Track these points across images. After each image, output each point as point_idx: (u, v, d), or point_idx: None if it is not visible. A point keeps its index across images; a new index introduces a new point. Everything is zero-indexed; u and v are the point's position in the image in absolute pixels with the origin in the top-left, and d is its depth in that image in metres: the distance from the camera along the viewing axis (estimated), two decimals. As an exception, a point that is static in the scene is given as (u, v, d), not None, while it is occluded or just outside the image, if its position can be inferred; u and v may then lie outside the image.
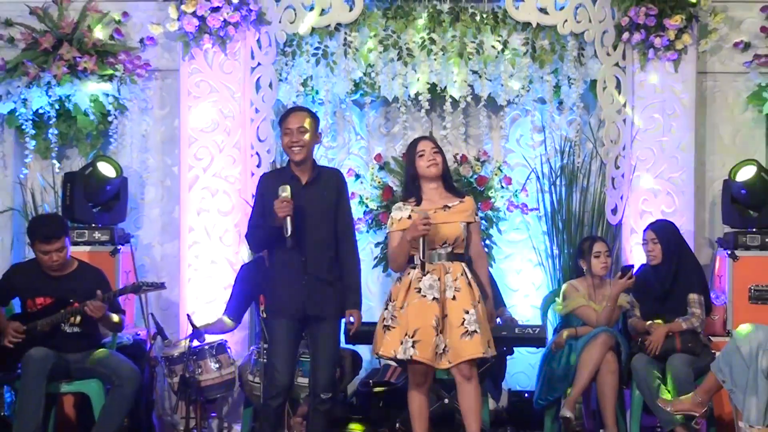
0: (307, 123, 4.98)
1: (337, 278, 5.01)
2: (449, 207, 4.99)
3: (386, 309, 4.97)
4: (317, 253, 4.95)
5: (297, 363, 5.18)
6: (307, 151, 4.99)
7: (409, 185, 5.16)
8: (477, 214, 5.08)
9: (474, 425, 4.91)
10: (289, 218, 4.84)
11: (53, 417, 5.50)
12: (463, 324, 4.84)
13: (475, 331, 4.83)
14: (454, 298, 4.89)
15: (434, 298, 4.87)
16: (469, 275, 4.97)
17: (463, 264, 4.98)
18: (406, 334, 4.84)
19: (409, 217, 4.96)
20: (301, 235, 4.90)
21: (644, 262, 5.97)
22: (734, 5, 6.58)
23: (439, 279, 4.91)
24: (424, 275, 4.86)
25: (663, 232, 5.87)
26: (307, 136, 4.96)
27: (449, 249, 4.95)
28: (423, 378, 4.95)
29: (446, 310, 4.89)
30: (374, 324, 5.56)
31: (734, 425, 5.30)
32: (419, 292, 4.89)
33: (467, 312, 4.86)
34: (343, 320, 5.08)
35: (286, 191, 4.86)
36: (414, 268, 4.95)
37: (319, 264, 4.95)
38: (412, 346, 4.83)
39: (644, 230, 5.95)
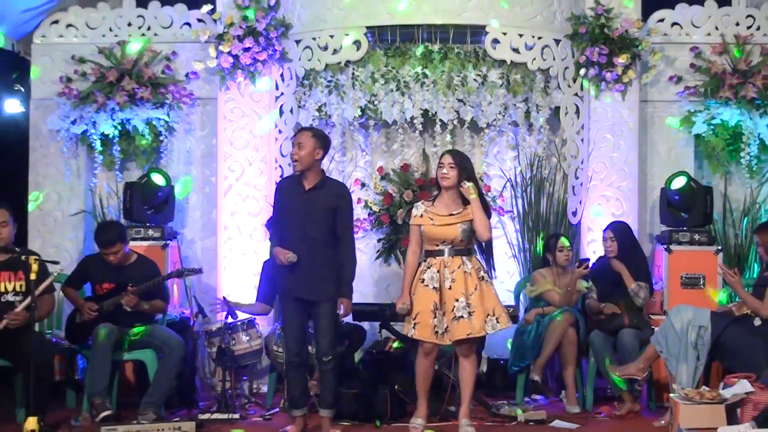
0: (304, 140, 4.96)
1: (333, 269, 5.02)
2: (454, 214, 5.04)
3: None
4: (314, 249, 4.97)
5: (307, 336, 5.18)
6: (303, 163, 4.96)
7: (436, 187, 5.25)
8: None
9: (467, 392, 5.09)
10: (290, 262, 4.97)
11: (117, 380, 5.62)
12: (453, 310, 4.97)
13: (462, 317, 4.94)
14: (450, 288, 4.99)
15: (434, 288, 5.00)
16: (468, 267, 5.01)
17: (464, 257, 5.03)
18: (411, 317, 5.03)
19: (421, 216, 5.05)
20: (301, 233, 4.98)
21: (602, 254, 6.07)
22: (669, 46, 6.71)
23: (438, 271, 5.02)
24: None
25: (619, 231, 5.97)
26: (303, 152, 4.94)
27: (449, 246, 5.03)
28: (429, 350, 5.06)
29: (444, 298, 5.00)
30: (374, 305, 5.80)
31: (669, 387, 5.44)
32: (423, 282, 5.04)
33: (457, 300, 4.96)
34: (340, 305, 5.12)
35: (291, 259, 4.93)
36: (422, 263, 5.07)
37: (315, 258, 4.98)
38: (414, 327, 5.01)
39: (604, 229, 6.02)
